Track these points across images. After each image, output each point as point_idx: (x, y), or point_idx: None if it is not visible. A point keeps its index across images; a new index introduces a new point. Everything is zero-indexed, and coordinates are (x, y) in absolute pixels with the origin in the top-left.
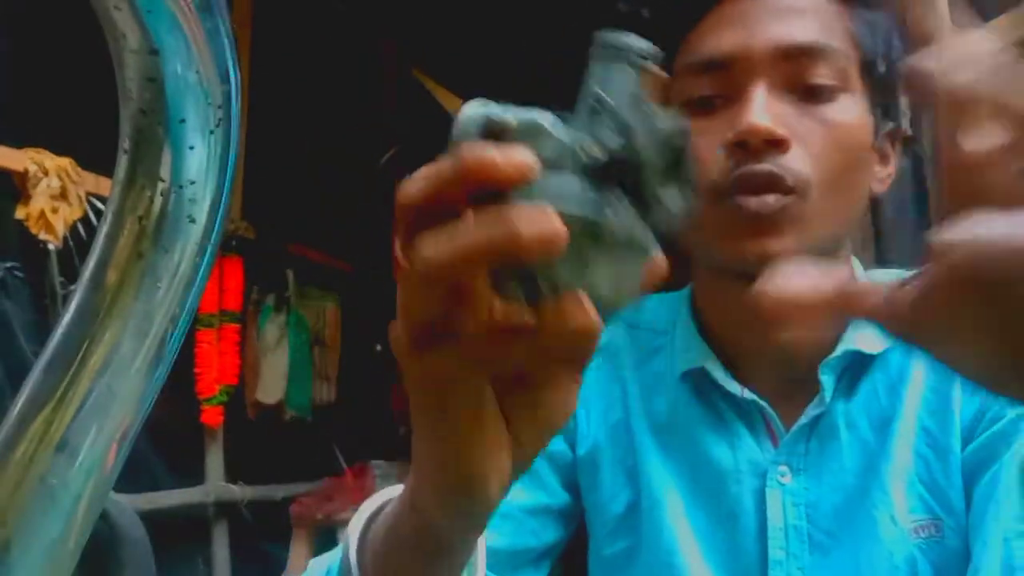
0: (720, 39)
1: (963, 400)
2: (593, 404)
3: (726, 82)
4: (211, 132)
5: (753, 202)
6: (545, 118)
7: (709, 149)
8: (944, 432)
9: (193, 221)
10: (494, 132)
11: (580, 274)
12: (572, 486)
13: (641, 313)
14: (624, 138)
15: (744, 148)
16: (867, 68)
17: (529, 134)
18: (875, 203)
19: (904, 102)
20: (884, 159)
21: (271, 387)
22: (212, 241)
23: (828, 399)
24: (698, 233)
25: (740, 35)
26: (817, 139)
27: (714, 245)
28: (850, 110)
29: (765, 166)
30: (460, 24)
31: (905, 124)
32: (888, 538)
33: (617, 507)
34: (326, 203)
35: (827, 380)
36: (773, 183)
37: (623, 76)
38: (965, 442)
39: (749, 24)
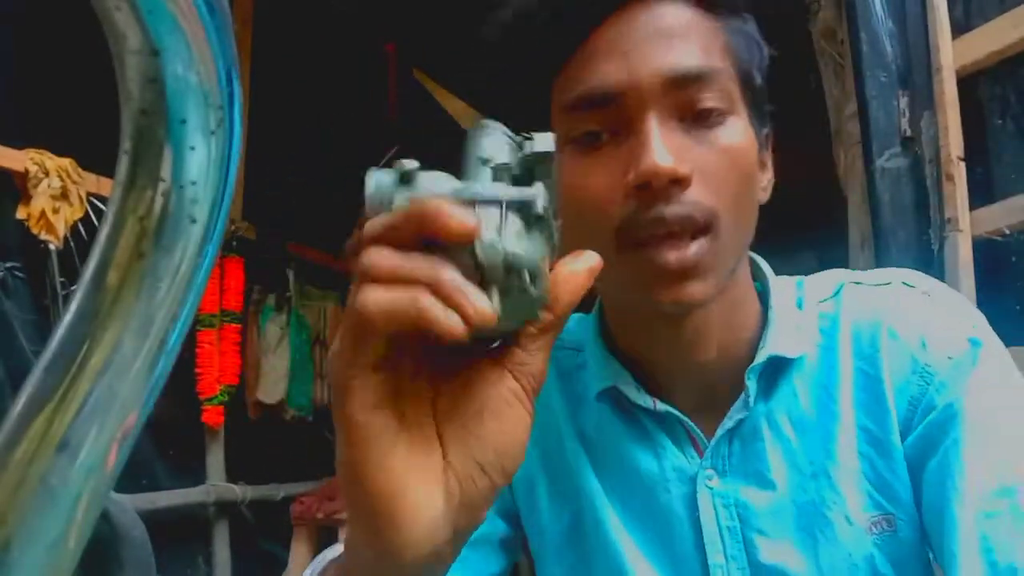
0: (603, 71)
1: (895, 395)
2: None
3: (613, 116)
4: (212, 133)
5: (673, 256)
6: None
7: (607, 190)
8: (882, 428)
9: (194, 221)
10: (403, 179)
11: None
12: (509, 515)
13: (563, 333)
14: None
15: (647, 189)
16: (745, 83)
17: (435, 179)
18: (874, 203)
19: (904, 102)
20: (763, 167)
21: (272, 387)
22: (213, 241)
23: (752, 403)
24: (606, 277)
25: (624, 66)
26: (715, 167)
27: (630, 293)
28: (739, 131)
29: (676, 209)
30: (461, 25)
31: (904, 125)
32: (846, 538)
33: (559, 527)
34: (326, 203)
35: (752, 385)
36: (685, 224)
37: (501, 144)
38: (903, 435)
39: (631, 53)
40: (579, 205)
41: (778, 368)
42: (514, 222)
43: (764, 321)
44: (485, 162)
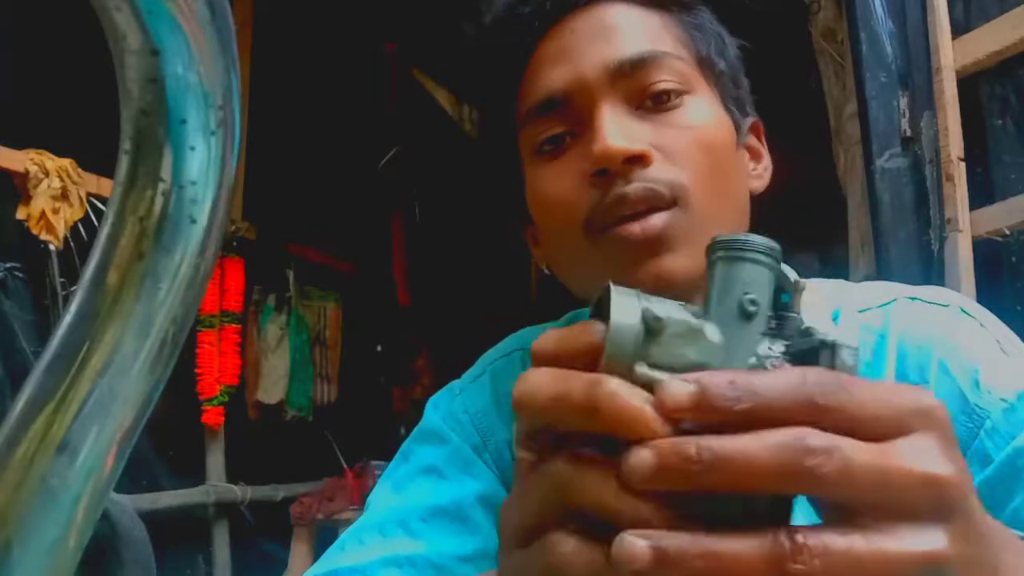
0: (550, 76)
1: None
2: None
3: (570, 117)
4: (212, 133)
5: (636, 227)
6: (693, 317)
7: (571, 187)
8: None
9: (194, 221)
10: (650, 332)
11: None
12: None
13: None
14: (783, 346)
15: (606, 175)
16: (706, 67)
17: (686, 337)
18: (874, 203)
19: (904, 102)
20: (755, 154)
21: (272, 387)
22: (213, 241)
23: None
24: (583, 272)
25: (569, 67)
26: (678, 144)
27: (604, 279)
28: (701, 109)
29: (637, 186)
30: (460, 25)
31: (904, 125)
32: None
33: None
34: (326, 203)
35: None
36: (650, 199)
37: (762, 277)
38: None
39: (575, 53)
40: (549, 207)
41: None
42: None
43: None
44: (747, 314)
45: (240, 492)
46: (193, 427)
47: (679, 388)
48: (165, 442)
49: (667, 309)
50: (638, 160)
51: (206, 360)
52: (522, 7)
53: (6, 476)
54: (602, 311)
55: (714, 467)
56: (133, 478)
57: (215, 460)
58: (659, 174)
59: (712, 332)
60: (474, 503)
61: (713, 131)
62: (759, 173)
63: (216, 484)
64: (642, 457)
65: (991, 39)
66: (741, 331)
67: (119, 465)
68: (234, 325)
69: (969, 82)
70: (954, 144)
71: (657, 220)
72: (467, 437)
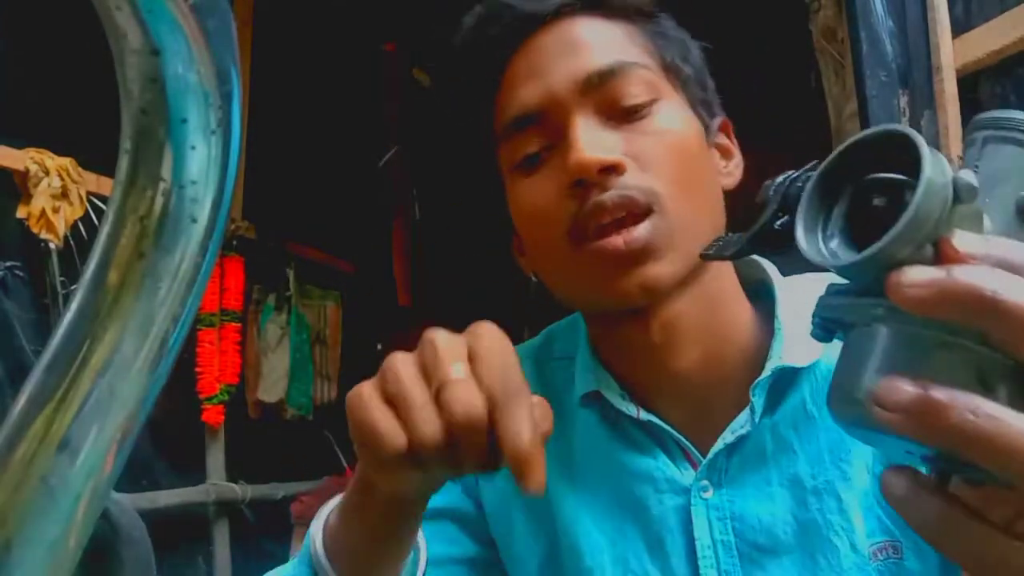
0: (523, 93)
1: None
2: None
3: (545, 132)
4: (212, 132)
5: (619, 240)
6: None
7: (551, 199)
8: None
9: (195, 221)
10: (957, 200)
11: None
12: (484, 538)
13: (553, 343)
14: None
15: (583, 186)
16: (672, 73)
17: (970, 218)
18: None
19: (904, 101)
20: (725, 152)
21: (272, 386)
22: (213, 241)
23: (758, 419)
24: (569, 281)
25: (540, 83)
26: (650, 151)
27: (590, 290)
28: (670, 115)
29: (613, 194)
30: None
31: (905, 124)
32: (848, 565)
33: (536, 554)
34: (326, 203)
35: (758, 401)
36: (626, 205)
37: None
38: None
39: (545, 70)
40: (532, 219)
41: (788, 378)
42: None
43: (771, 328)
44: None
45: (240, 491)
46: (193, 426)
47: (971, 238)
48: (165, 442)
49: (970, 176)
50: (613, 169)
51: (206, 359)
52: (490, 28)
53: (6, 476)
54: (857, 162)
55: (998, 299)
56: (133, 477)
57: (215, 459)
58: (633, 181)
59: (987, 221)
60: (439, 516)
61: (682, 135)
62: (730, 170)
63: (216, 483)
64: (918, 270)
65: (991, 38)
66: (1014, 229)
67: (119, 465)
68: (234, 324)
69: (969, 81)
70: (954, 143)
71: (639, 232)
72: None
